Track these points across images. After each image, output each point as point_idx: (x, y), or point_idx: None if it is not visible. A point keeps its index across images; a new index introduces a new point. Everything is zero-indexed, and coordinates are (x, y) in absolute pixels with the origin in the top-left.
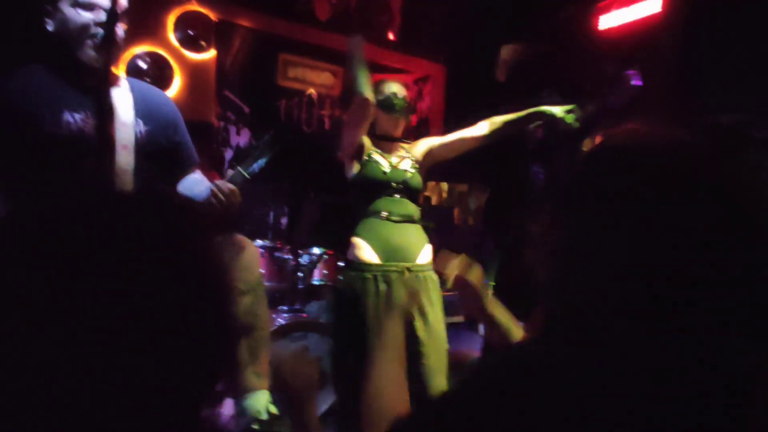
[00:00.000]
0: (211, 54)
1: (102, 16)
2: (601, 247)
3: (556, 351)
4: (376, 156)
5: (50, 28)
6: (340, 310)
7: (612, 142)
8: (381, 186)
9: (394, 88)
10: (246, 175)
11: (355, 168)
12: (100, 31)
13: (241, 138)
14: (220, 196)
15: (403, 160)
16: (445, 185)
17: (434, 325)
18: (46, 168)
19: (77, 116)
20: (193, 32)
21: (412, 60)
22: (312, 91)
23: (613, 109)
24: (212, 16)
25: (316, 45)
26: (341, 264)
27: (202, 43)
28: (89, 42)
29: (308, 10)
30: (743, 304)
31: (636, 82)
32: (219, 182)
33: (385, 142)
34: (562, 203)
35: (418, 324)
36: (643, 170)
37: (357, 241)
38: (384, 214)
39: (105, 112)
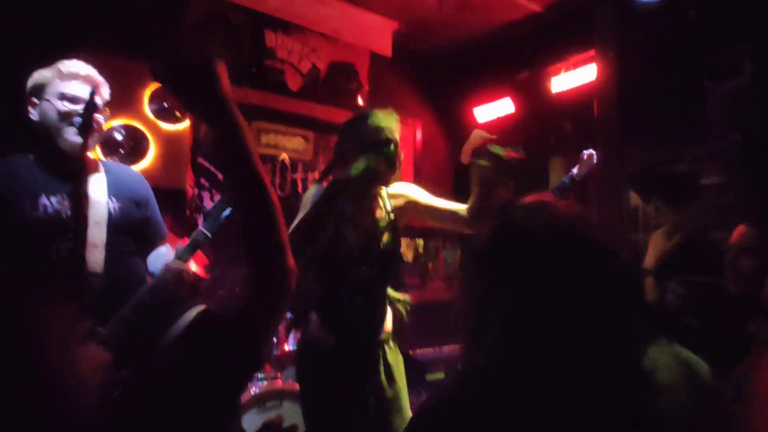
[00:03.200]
0: (185, 124)
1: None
2: (509, 298)
3: (473, 398)
4: (347, 228)
5: (34, 117)
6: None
7: (518, 212)
8: (356, 256)
9: (386, 132)
10: (208, 233)
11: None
12: (79, 119)
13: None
14: (170, 275)
15: (379, 218)
16: (420, 241)
17: (399, 387)
18: (26, 250)
19: (53, 199)
20: (168, 104)
21: None
22: (284, 156)
23: (577, 180)
24: None
25: (288, 113)
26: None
27: (177, 114)
28: (69, 129)
29: (280, 81)
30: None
31: (595, 159)
32: (169, 263)
33: (357, 191)
34: (479, 258)
35: (385, 386)
36: (541, 235)
37: (318, 318)
38: (352, 287)
39: (79, 195)
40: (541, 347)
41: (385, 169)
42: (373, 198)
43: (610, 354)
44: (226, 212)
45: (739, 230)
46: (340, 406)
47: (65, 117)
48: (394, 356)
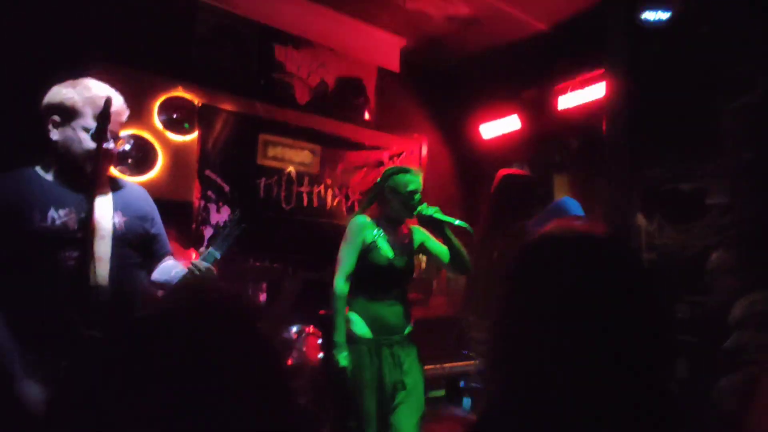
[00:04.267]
0: (193, 136)
1: (111, 144)
2: (531, 323)
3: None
4: (382, 241)
5: (54, 137)
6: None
7: (539, 239)
8: (384, 271)
9: (414, 185)
10: (217, 255)
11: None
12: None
13: (220, 216)
14: (197, 272)
15: (406, 245)
16: (423, 257)
17: (414, 389)
18: (34, 258)
19: (62, 212)
20: (177, 116)
21: (386, 137)
22: (291, 169)
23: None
24: (196, 100)
25: (295, 126)
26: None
27: (186, 125)
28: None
29: (288, 94)
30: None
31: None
32: (196, 261)
33: (392, 223)
34: (503, 286)
35: (400, 388)
36: (564, 262)
37: (352, 316)
38: (380, 295)
39: (86, 209)
40: (575, 374)
41: (408, 213)
42: (400, 230)
43: (647, 379)
44: (237, 233)
45: (715, 255)
46: (368, 390)
47: (91, 153)
48: (413, 351)
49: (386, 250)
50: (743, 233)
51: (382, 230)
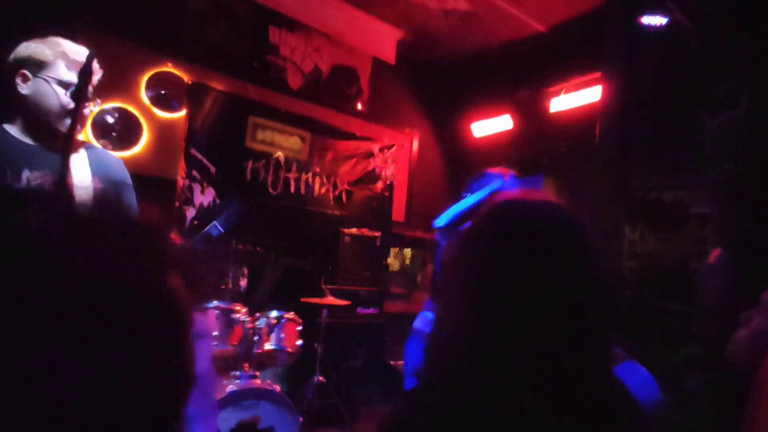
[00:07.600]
0: (181, 113)
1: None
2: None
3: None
4: None
5: (24, 91)
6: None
7: (490, 216)
8: None
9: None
10: (221, 229)
11: None
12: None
13: (204, 197)
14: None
15: None
16: (408, 252)
17: None
18: (2, 217)
19: (37, 173)
20: (165, 92)
21: (377, 128)
22: (279, 154)
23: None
24: (185, 77)
25: (286, 111)
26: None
27: (174, 102)
28: (67, 119)
29: (281, 78)
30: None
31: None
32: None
33: None
34: (456, 256)
35: None
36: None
37: None
38: None
39: (64, 172)
40: (517, 352)
41: None
42: None
43: (587, 357)
44: (238, 214)
45: (715, 252)
46: None
47: (64, 107)
48: None
49: None
50: (724, 242)
51: None
